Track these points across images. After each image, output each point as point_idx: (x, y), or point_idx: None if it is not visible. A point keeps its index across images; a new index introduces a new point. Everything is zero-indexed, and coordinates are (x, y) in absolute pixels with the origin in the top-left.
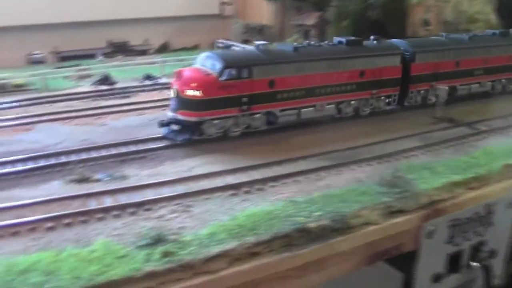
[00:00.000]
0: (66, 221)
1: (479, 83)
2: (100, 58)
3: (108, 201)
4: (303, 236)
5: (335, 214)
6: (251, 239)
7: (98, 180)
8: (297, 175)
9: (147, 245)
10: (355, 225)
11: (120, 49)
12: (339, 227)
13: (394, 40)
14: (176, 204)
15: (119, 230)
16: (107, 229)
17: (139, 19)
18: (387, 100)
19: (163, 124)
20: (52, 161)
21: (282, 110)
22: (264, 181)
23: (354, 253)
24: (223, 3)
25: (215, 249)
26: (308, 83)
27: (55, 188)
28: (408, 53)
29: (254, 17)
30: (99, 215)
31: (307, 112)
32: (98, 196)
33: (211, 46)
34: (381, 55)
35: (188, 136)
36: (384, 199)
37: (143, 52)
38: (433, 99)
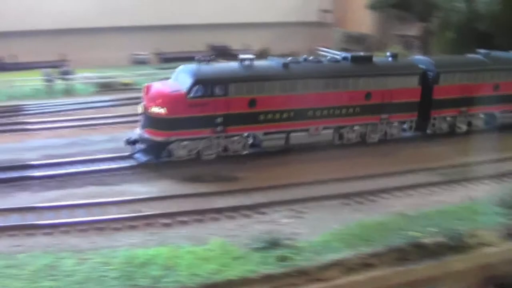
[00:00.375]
0: (182, 218)
1: None
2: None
3: (220, 202)
4: (417, 251)
5: (450, 232)
6: (365, 250)
7: (209, 180)
8: (408, 188)
9: (263, 248)
10: (471, 245)
11: (220, 53)
12: (455, 246)
13: (418, 58)
14: (288, 209)
15: (233, 231)
16: (221, 230)
17: (239, 24)
18: (403, 126)
19: (129, 142)
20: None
21: (267, 133)
22: (375, 192)
23: (468, 274)
24: (323, 11)
25: (329, 257)
26: (299, 104)
27: (168, 185)
28: (431, 73)
29: (354, 26)
30: (213, 215)
31: (298, 137)
32: (211, 196)
33: (310, 53)
34: (394, 75)
35: (154, 157)
36: (502, 220)
37: None
38: (464, 128)
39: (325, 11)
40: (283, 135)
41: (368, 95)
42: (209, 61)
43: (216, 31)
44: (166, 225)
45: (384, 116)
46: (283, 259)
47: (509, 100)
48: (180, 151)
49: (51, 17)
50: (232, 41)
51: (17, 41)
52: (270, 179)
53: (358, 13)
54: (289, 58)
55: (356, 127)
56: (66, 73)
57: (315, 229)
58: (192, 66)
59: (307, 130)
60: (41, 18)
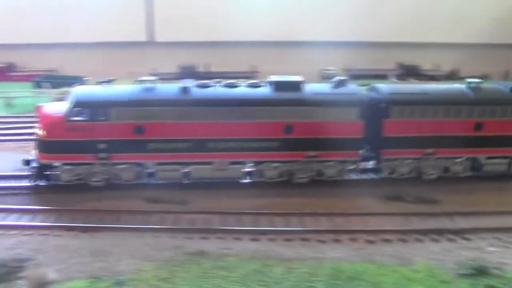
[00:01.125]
0: (386, 237)
1: None
2: (393, 79)
3: (423, 224)
4: None
5: None
6: None
7: (410, 201)
8: None
9: (470, 275)
10: None
11: (410, 72)
12: None
13: (378, 86)
14: (495, 238)
15: (438, 254)
16: (425, 252)
17: (429, 43)
18: (348, 168)
19: (26, 162)
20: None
21: (161, 164)
22: None
23: None
24: None
25: None
26: (198, 133)
27: (369, 203)
28: (383, 105)
29: None
30: (417, 236)
31: (201, 170)
32: (413, 217)
33: (504, 77)
34: (324, 106)
35: (40, 179)
36: None
37: (432, 77)
38: (433, 174)
39: None
40: (181, 167)
41: (288, 128)
42: (108, 82)
43: (406, 49)
44: (370, 242)
45: (311, 153)
46: None
47: (497, 143)
48: (66, 175)
49: (244, 30)
50: (421, 60)
51: (210, 51)
52: (470, 203)
53: None
54: (199, 82)
55: (276, 164)
56: None
57: None
58: (79, 88)
59: (211, 163)
60: (235, 31)
